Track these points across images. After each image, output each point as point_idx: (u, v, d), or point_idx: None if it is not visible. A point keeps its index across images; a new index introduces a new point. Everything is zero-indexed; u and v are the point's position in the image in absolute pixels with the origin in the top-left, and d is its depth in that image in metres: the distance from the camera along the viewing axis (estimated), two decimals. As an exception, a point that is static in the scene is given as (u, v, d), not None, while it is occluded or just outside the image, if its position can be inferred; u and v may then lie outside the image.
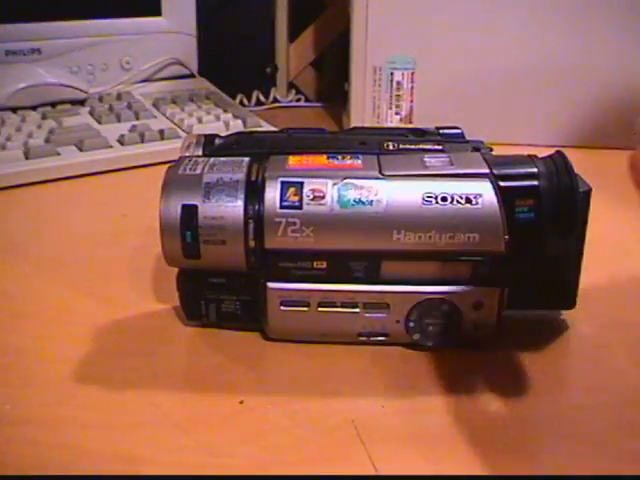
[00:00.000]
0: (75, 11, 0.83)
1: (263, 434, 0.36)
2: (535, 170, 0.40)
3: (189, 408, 0.38)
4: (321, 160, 0.41)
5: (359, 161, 0.41)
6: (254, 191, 0.39)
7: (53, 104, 0.81)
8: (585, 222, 0.41)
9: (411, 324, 0.41)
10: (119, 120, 0.79)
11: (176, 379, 0.40)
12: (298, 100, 0.99)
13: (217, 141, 0.44)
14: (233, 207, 0.39)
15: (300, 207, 0.38)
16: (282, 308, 0.41)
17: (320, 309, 0.41)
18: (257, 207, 0.39)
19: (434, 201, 0.39)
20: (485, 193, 0.39)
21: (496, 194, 0.39)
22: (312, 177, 0.39)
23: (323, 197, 0.38)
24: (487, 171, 0.40)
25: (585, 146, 0.78)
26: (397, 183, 0.39)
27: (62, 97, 0.81)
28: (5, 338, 0.44)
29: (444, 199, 0.39)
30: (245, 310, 0.42)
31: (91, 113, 0.80)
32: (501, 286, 0.40)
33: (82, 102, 0.82)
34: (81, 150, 0.71)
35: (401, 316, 0.41)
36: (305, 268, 0.40)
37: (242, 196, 0.39)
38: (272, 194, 0.39)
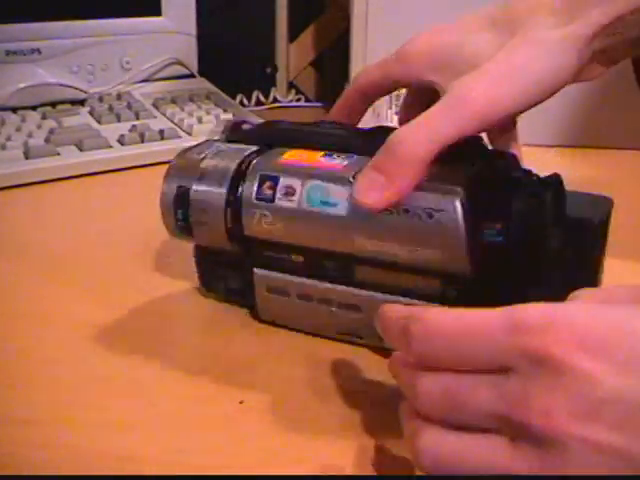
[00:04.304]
0: (75, 11, 0.83)
1: (263, 434, 0.36)
2: (512, 192, 0.36)
3: (189, 408, 0.38)
4: (314, 157, 0.41)
5: (346, 162, 0.40)
6: (239, 181, 0.41)
7: (53, 104, 0.81)
8: (595, 258, 0.39)
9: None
10: (119, 120, 0.79)
11: (176, 379, 0.40)
12: (298, 100, 0.99)
13: (244, 127, 0.47)
14: (218, 193, 0.41)
15: (272, 200, 0.40)
16: (267, 294, 0.43)
17: (298, 301, 0.42)
18: (237, 196, 0.41)
19: (395, 212, 0.37)
20: (448, 210, 0.36)
21: (462, 212, 0.36)
22: (290, 174, 0.40)
23: (293, 194, 0.40)
24: (459, 188, 0.37)
25: (585, 146, 0.78)
26: None
27: (62, 97, 0.81)
28: (5, 338, 0.44)
29: (406, 211, 0.37)
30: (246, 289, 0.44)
31: (91, 113, 0.80)
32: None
33: (82, 102, 0.83)
34: (81, 150, 0.71)
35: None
36: (285, 260, 0.42)
37: (227, 184, 0.41)
38: (250, 186, 0.41)
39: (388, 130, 0.37)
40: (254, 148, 0.43)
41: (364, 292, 0.41)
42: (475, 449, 0.28)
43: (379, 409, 0.38)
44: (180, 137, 0.76)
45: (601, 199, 0.39)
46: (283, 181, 0.40)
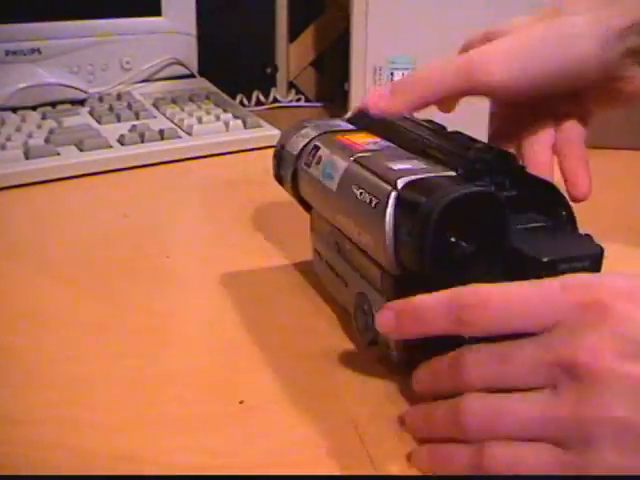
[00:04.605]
0: (75, 11, 0.83)
1: (263, 434, 0.36)
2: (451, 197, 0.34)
3: (189, 408, 0.38)
4: (361, 139, 0.44)
5: (373, 147, 0.42)
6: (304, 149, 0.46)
7: (53, 104, 0.81)
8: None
9: (357, 313, 0.41)
10: (119, 120, 0.79)
11: (176, 379, 0.40)
12: (298, 100, 0.99)
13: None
14: (291, 154, 0.47)
15: (309, 166, 0.44)
16: (315, 254, 0.48)
17: (325, 266, 0.46)
18: (298, 160, 0.46)
19: (359, 192, 0.38)
20: (382, 200, 0.36)
21: (393, 206, 0.36)
22: (327, 147, 0.44)
23: (319, 163, 0.43)
24: (401, 181, 0.36)
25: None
26: (351, 167, 0.40)
27: (62, 97, 0.81)
28: (5, 338, 0.44)
29: (361, 193, 0.38)
30: None
31: (91, 113, 0.80)
32: None
33: (82, 102, 0.83)
34: (81, 150, 0.71)
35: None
36: (319, 225, 0.47)
37: (298, 149, 0.46)
38: (306, 152, 0.45)
39: (464, 136, 0.41)
40: (345, 127, 0.47)
41: (348, 267, 0.42)
42: (515, 404, 0.30)
43: (382, 408, 0.38)
44: (180, 137, 0.76)
45: (589, 244, 0.36)
46: (320, 152, 0.44)
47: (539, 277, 0.32)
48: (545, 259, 0.34)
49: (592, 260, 0.34)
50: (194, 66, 0.92)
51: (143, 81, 0.89)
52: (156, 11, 0.88)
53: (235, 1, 0.95)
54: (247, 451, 0.35)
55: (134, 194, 0.67)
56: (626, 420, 0.27)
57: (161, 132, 0.75)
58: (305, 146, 0.45)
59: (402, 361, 0.38)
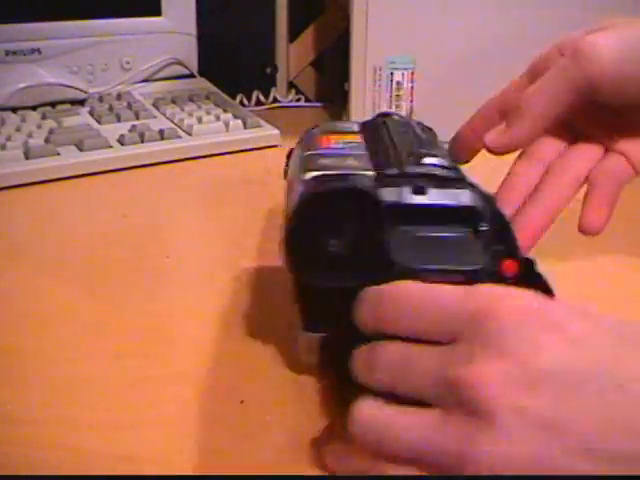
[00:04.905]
0: (75, 11, 0.83)
1: (263, 434, 0.36)
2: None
3: (189, 408, 0.38)
4: (340, 139, 0.43)
5: (343, 148, 0.41)
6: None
7: (53, 104, 0.81)
8: None
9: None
10: (119, 120, 0.79)
11: (176, 379, 0.40)
12: (298, 100, 0.99)
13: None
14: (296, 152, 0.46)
15: (287, 166, 0.46)
16: None
17: None
18: None
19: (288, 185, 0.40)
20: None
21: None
22: (304, 147, 0.43)
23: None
24: (312, 175, 0.37)
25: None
26: (295, 162, 0.42)
27: (62, 97, 0.81)
28: (5, 338, 0.44)
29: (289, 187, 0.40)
30: None
31: (91, 113, 0.80)
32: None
33: (82, 102, 0.82)
34: (81, 150, 0.71)
35: None
36: None
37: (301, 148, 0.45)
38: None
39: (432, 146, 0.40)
40: (347, 129, 0.46)
41: None
42: (406, 420, 0.28)
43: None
44: (180, 137, 0.76)
45: (474, 259, 0.34)
46: (295, 152, 0.44)
47: None
48: (413, 266, 0.32)
49: (466, 276, 0.32)
50: (194, 66, 0.92)
51: (143, 81, 0.89)
52: (156, 11, 0.87)
53: (235, 1, 0.95)
54: (247, 451, 0.35)
55: (134, 194, 0.67)
56: (509, 454, 0.25)
57: (161, 132, 0.75)
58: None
59: (311, 362, 0.38)
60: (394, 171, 0.36)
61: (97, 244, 0.56)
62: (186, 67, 0.91)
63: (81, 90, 0.82)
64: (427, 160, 0.37)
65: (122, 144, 0.74)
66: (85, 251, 0.55)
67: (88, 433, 0.36)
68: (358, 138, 0.43)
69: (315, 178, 0.36)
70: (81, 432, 0.36)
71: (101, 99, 0.84)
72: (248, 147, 0.79)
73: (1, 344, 0.43)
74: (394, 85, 0.80)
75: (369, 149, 0.41)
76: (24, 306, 0.48)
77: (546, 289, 0.33)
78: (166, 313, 0.47)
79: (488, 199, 0.35)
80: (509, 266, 0.34)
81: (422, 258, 0.33)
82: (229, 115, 0.81)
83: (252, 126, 0.80)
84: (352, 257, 0.34)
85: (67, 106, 0.81)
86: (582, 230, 0.42)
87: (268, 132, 0.79)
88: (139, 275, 0.51)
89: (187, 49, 0.90)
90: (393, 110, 0.81)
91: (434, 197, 0.35)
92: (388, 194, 0.35)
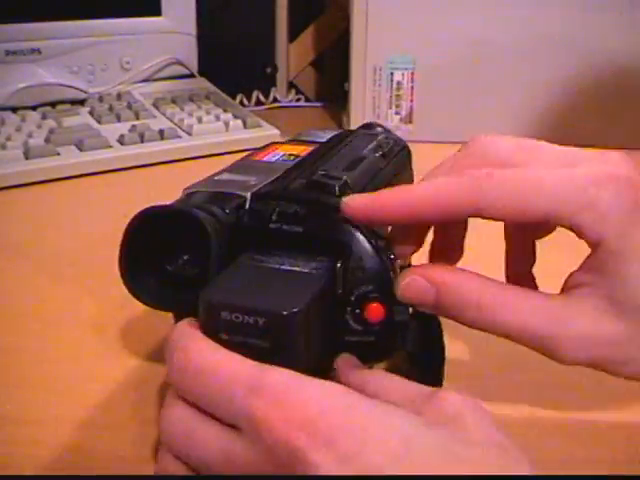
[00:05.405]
0: (75, 11, 0.83)
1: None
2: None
3: (189, 408, 0.38)
4: (282, 150, 0.43)
5: (268, 159, 0.42)
6: None
7: (53, 104, 0.81)
8: None
9: None
10: (119, 120, 0.79)
11: (176, 379, 0.40)
12: (298, 100, 0.99)
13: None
14: None
15: None
16: None
17: None
18: None
19: None
20: None
21: None
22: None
23: None
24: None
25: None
26: None
27: (62, 97, 0.81)
28: (5, 338, 0.44)
29: None
30: None
31: (91, 113, 0.80)
32: None
33: (82, 102, 0.83)
34: (81, 150, 0.71)
35: None
36: None
37: None
38: None
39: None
40: (311, 138, 0.45)
41: None
42: (205, 433, 0.28)
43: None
44: (180, 137, 0.76)
45: (294, 303, 0.29)
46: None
47: (205, 318, 0.29)
48: (206, 298, 0.29)
49: (268, 318, 0.28)
50: (194, 66, 0.92)
51: (143, 81, 0.89)
52: (156, 11, 0.87)
53: (235, 1, 0.95)
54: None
55: (134, 194, 0.67)
56: None
57: (161, 132, 0.75)
58: None
59: None
60: (274, 192, 0.34)
61: (97, 244, 0.56)
62: (186, 67, 0.91)
63: (81, 90, 0.82)
64: (318, 184, 0.34)
65: (122, 144, 0.74)
66: (85, 251, 0.55)
67: (88, 433, 0.36)
68: (305, 151, 0.42)
69: (188, 195, 0.36)
70: (81, 432, 0.36)
71: (101, 99, 0.84)
72: (248, 147, 0.78)
73: (1, 344, 0.43)
74: (394, 85, 0.80)
75: (294, 165, 0.39)
76: (24, 306, 0.48)
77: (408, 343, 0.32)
78: (166, 313, 0.47)
79: (365, 234, 0.32)
80: (375, 311, 0.31)
81: (235, 292, 0.30)
82: (229, 115, 0.81)
83: (252, 126, 0.80)
84: (187, 281, 0.32)
85: (67, 106, 0.81)
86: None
87: (268, 132, 0.79)
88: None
89: (187, 49, 0.90)
90: (394, 109, 0.81)
91: (299, 224, 0.32)
92: (248, 218, 0.33)
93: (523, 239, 0.37)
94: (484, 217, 0.30)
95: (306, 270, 0.31)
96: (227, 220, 0.33)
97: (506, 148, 0.33)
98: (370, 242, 0.32)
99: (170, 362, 0.29)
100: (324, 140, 0.44)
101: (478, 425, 0.26)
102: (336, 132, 0.46)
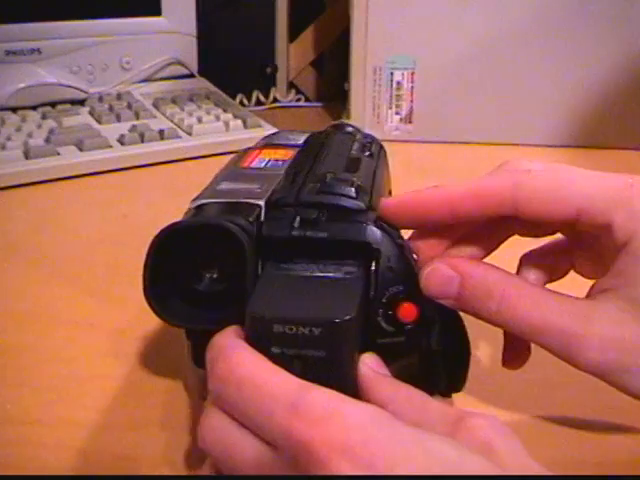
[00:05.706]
0: (75, 11, 0.83)
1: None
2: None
3: (189, 408, 0.38)
4: (266, 156, 0.42)
5: (255, 164, 0.41)
6: None
7: (53, 104, 0.81)
8: None
9: None
10: (119, 120, 0.79)
11: (177, 379, 0.40)
12: (298, 100, 0.99)
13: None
14: None
15: None
16: None
17: None
18: None
19: None
20: None
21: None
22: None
23: None
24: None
25: (585, 146, 0.79)
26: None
27: (62, 97, 0.81)
28: (5, 338, 0.44)
29: None
30: None
31: (91, 113, 0.80)
32: None
33: (82, 102, 0.82)
34: (81, 150, 0.71)
35: None
36: None
37: None
38: None
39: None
40: (294, 141, 0.43)
41: None
42: (243, 442, 0.28)
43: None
44: (180, 137, 0.76)
45: (341, 308, 0.28)
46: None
47: (256, 332, 0.28)
48: (257, 313, 0.28)
49: (324, 327, 0.27)
50: (194, 66, 0.92)
51: (143, 81, 0.89)
52: (156, 11, 0.88)
53: (235, 1, 0.95)
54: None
55: (134, 194, 0.67)
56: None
57: (161, 132, 0.75)
58: None
59: (201, 396, 0.35)
60: (288, 199, 0.33)
61: (97, 244, 0.56)
62: (186, 67, 0.91)
63: (81, 90, 0.82)
64: (333, 188, 0.33)
65: (122, 144, 0.74)
66: (85, 251, 0.55)
67: (88, 433, 0.36)
68: (289, 155, 0.41)
69: (198, 208, 0.34)
70: (81, 432, 0.36)
71: (101, 99, 0.84)
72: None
73: (1, 344, 0.43)
74: (394, 85, 0.80)
75: (288, 169, 0.38)
76: (23, 306, 0.48)
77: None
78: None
79: (391, 234, 0.32)
80: (407, 310, 0.31)
81: (283, 304, 0.29)
82: (229, 115, 0.81)
83: (252, 126, 0.80)
84: (214, 298, 0.31)
85: (67, 106, 0.81)
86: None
87: (268, 132, 0.79)
88: (139, 275, 0.51)
89: (187, 49, 0.90)
90: (394, 109, 0.81)
91: (323, 230, 0.31)
92: (268, 228, 0.32)
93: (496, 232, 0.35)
94: (519, 215, 0.31)
95: (339, 275, 0.31)
96: (251, 230, 0.32)
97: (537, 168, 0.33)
98: (396, 242, 0.32)
99: (212, 371, 0.29)
100: (298, 142, 0.43)
101: (509, 452, 0.26)
102: (306, 133, 0.45)
